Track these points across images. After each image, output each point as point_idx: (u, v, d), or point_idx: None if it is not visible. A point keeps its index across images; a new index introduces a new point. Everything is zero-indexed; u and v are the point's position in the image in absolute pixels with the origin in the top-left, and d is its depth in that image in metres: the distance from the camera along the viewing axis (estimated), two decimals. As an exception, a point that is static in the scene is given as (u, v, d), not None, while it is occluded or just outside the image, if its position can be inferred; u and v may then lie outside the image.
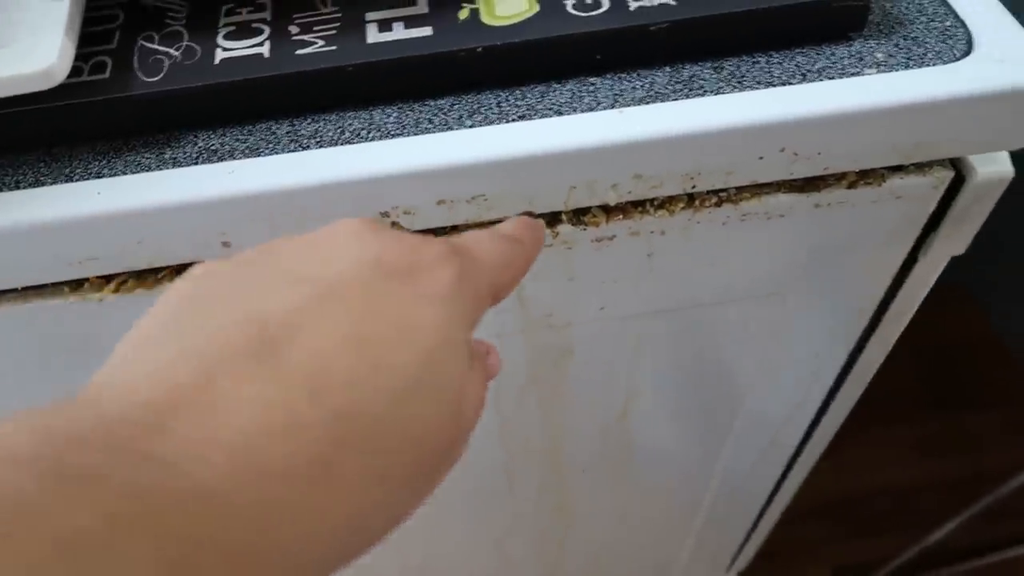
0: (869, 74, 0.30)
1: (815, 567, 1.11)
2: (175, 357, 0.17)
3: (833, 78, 0.30)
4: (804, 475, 0.59)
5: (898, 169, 0.32)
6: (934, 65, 0.30)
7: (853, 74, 0.30)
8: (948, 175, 0.32)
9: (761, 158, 0.30)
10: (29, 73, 0.26)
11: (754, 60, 0.30)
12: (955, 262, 0.38)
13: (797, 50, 0.31)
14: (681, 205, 0.31)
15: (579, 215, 0.31)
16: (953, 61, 0.30)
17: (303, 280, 0.19)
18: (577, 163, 0.28)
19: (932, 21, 0.31)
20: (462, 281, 0.21)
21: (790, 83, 0.29)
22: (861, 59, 0.30)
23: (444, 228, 0.31)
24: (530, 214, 0.30)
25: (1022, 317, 1.08)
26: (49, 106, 0.28)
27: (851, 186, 0.32)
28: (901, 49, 0.30)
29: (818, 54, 0.30)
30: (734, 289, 0.36)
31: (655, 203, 0.31)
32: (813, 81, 0.30)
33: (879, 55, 0.30)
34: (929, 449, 1.19)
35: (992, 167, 0.33)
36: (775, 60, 0.30)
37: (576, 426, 0.46)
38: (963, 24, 0.31)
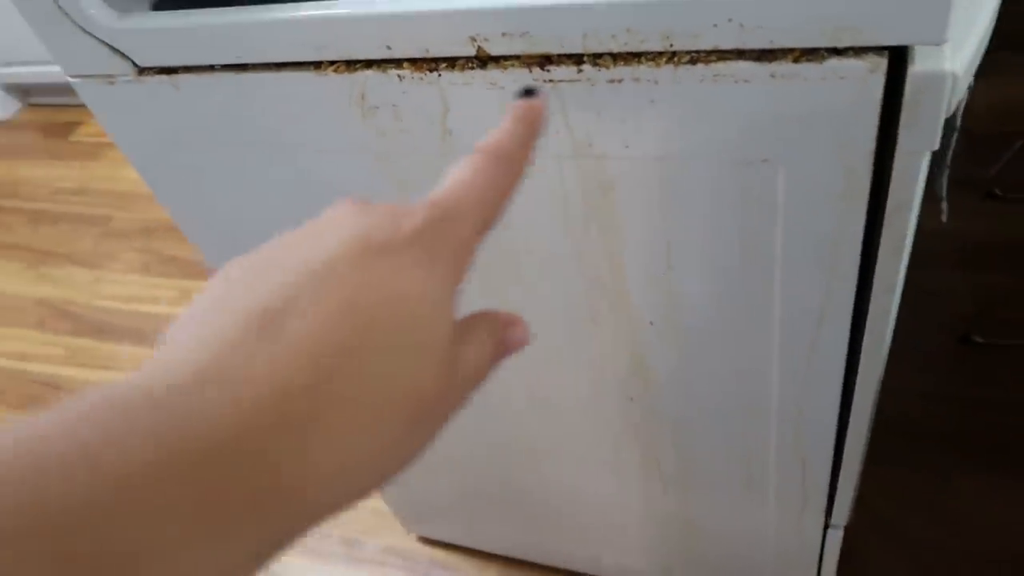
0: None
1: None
2: (205, 341, 0.21)
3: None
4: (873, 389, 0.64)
5: (838, 53, 0.42)
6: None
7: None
8: (881, 61, 0.41)
9: (715, 25, 0.42)
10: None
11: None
12: None
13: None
14: (664, 59, 0.45)
15: (595, 59, 0.46)
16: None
17: (301, 262, 0.23)
18: (593, 13, 0.44)
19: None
20: (440, 246, 0.25)
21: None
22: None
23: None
24: (529, 92, 0.33)
25: None
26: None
27: (796, 60, 0.43)
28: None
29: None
30: (729, 148, 0.48)
31: (647, 56, 0.45)
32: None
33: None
34: None
35: (930, 62, 0.41)
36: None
37: (634, 267, 0.59)
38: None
